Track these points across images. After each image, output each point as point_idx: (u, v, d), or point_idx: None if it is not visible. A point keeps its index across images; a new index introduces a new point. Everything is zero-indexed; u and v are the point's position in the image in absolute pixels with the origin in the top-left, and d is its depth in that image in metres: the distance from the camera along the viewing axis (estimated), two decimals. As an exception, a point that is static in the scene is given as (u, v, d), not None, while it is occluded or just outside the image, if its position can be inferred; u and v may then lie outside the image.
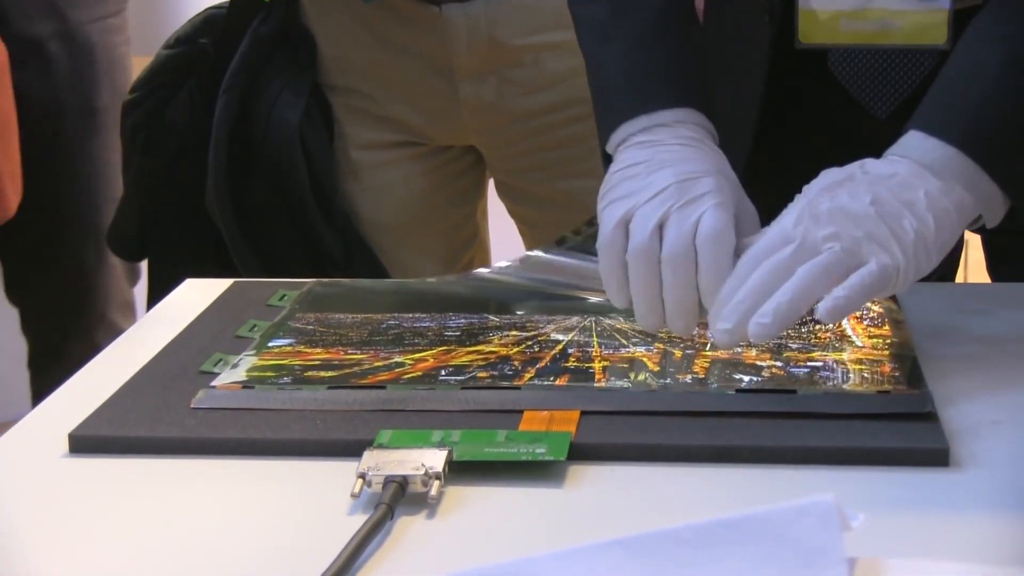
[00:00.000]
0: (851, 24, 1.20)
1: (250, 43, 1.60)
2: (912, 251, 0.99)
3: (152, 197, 1.68)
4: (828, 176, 1.03)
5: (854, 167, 1.03)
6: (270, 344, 1.10)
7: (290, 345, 1.10)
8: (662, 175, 1.06)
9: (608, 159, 1.13)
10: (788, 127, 1.32)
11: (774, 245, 0.99)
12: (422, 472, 0.87)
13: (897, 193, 1.00)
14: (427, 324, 1.14)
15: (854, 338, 1.09)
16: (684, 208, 1.03)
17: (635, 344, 1.08)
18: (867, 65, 1.25)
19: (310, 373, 1.04)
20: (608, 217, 1.06)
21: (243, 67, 1.60)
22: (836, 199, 1.00)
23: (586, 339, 1.10)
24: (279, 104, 1.59)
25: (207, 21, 1.66)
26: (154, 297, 1.68)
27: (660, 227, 1.03)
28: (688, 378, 1.02)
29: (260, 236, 1.62)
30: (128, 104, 1.68)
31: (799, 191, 1.03)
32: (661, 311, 1.03)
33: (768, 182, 1.30)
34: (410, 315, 1.16)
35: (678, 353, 1.06)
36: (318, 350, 1.09)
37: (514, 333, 1.11)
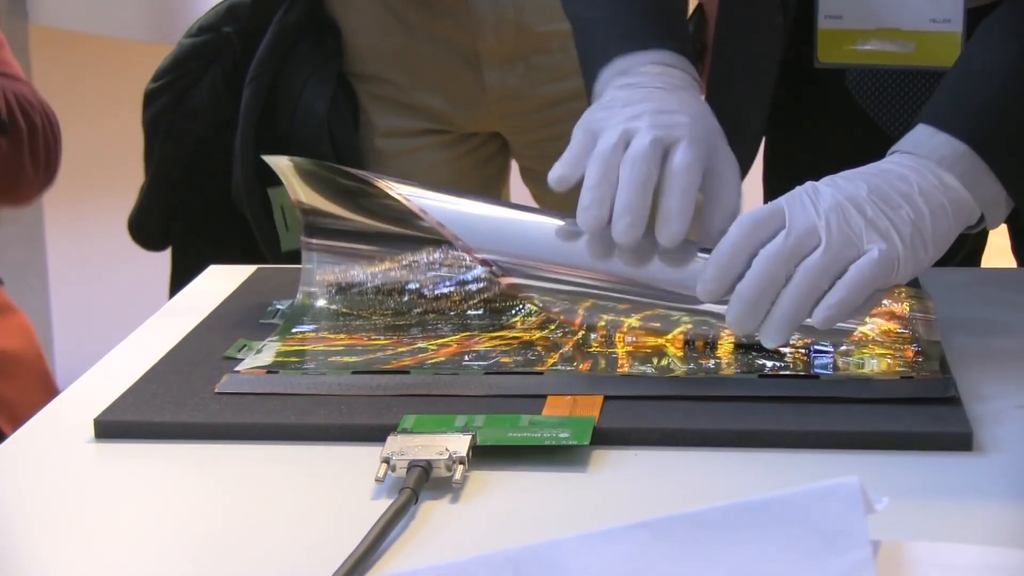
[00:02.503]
0: (867, 44, 1.21)
1: (276, 32, 1.60)
2: (910, 241, 0.98)
3: (175, 186, 1.68)
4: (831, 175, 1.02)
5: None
6: (294, 331, 1.11)
7: (313, 331, 1.10)
8: (638, 107, 1.05)
9: None
10: (806, 110, 1.33)
11: (769, 216, 0.98)
12: (446, 457, 0.88)
13: (894, 185, 1.00)
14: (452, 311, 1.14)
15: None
16: (653, 129, 1.02)
17: (658, 330, 1.08)
18: (883, 85, 1.26)
19: (334, 358, 1.05)
20: (577, 133, 1.06)
21: (269, 56, 1.60)
22: (836, 186, 0.99)
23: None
24: (306, 93, 1.60)
25: (231, 10, 1.66)
26: (177, 285, 1.69)
27: (627, 142, 1.02)
28: (711, 363, 1.02)
29: None
30: (150, 93, 1.69)
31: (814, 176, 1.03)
32: (607, 207, 1.01)
33: (783, 170, 1.30)
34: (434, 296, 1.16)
35: (700, 341, 1.06)
36: (342, 336, 1.09)
37: (535, 318, 1.11)
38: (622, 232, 1.00)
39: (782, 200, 0.99)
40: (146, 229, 1.74)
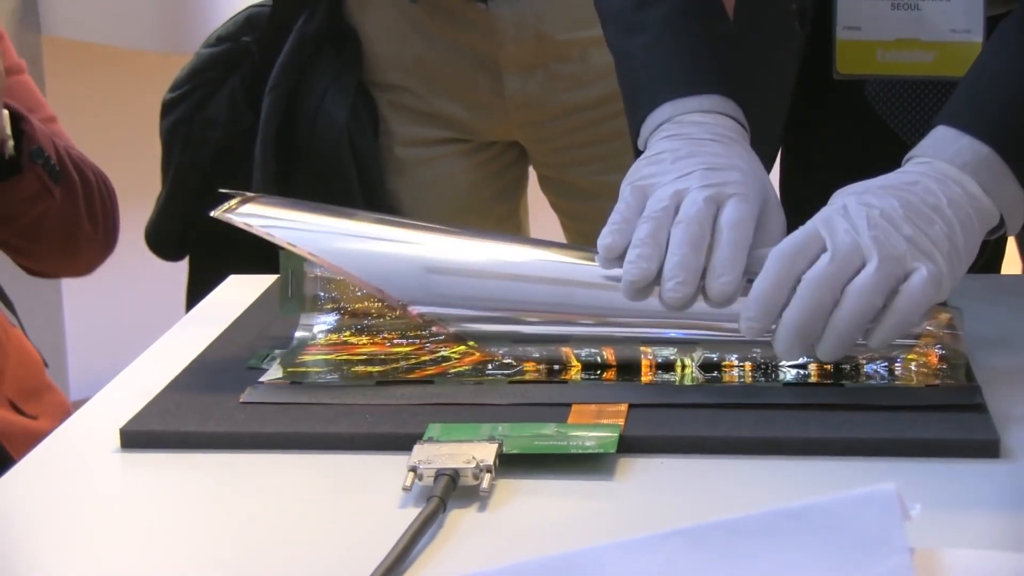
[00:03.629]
0: (887, 55, 1.21)
1: (295, 41, 1.61)
2: (947, 257, 0.97)
3: (193, 195, 1.68)
4: (852, 186, 1.01)
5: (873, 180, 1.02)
6: (317, 333, 1.09)
7: (335, 331, 1.09)
8: (688, 163, 1.04)
9: (640, 154, 1.11)
10: (824, 117, 1.32)
11: (806, 243, 0.96)
12: (473, 465, 0.87)
13: (923, 198, 0.99)
14: None
15: None
16: (705, 189, 1.00)
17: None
18: (903, 96, 1.26)
19: (357, 368, 1.05)
20: (626, 192, 1.03)
21: (289, 65, 1.61)
22: (868, 204, 0.97)
23: None
24: (326, 102, 1.60)
25: (249, 20, 1.67)
26: (194, 295, 1.69)
27: (678, 204, 1.00)
28: (734, 371, 1.02)
29: None
30: (168, 103, 1.69)
31: (832, 188, 1.02)
32: (656, 263, 0.98)
33: (800, 176, 1.29)
34: None
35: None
36: (364, 340, 1.09)
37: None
38: (672, 289, 0.97)
39: (816, 222, 0.97)
40: (164, 239, 1.74)
